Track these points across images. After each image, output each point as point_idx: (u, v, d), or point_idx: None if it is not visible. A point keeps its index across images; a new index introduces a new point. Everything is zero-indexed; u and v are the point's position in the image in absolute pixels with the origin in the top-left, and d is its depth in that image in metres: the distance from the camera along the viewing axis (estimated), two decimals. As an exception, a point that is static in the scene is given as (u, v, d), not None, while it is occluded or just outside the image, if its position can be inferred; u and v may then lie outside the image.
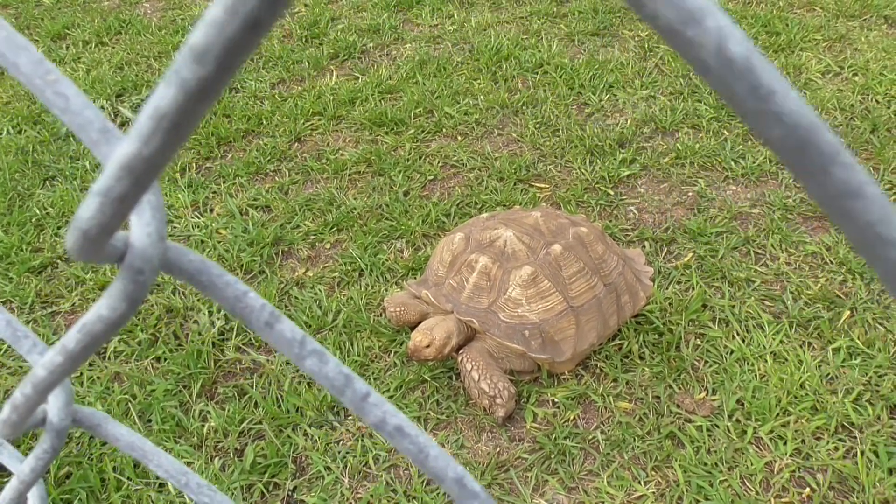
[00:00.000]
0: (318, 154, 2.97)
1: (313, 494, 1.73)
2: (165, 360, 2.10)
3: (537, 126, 2.98)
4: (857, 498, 1.60)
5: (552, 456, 1.75)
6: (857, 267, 2.15)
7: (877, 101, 2.90)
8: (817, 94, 2.97)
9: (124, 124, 3.29)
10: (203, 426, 1.89)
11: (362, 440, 1.83)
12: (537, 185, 2.67)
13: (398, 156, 2.90)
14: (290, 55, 3.68)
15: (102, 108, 3.34)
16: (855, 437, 1.71)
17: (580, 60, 3.40)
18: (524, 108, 3.11)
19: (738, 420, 1.78)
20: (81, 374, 2.08)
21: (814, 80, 3.08)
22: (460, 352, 1.91)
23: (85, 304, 2.32)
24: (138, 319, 2.25)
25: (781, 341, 1.96)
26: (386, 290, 2.27)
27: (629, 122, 2.95)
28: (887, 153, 2.60)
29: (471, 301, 1.92)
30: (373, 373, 2.01)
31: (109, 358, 2.13)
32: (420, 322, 2.03)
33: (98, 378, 2.06)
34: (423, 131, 3.03)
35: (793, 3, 3.72)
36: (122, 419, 1.92)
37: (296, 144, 3.06)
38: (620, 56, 3.40)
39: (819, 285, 2.12)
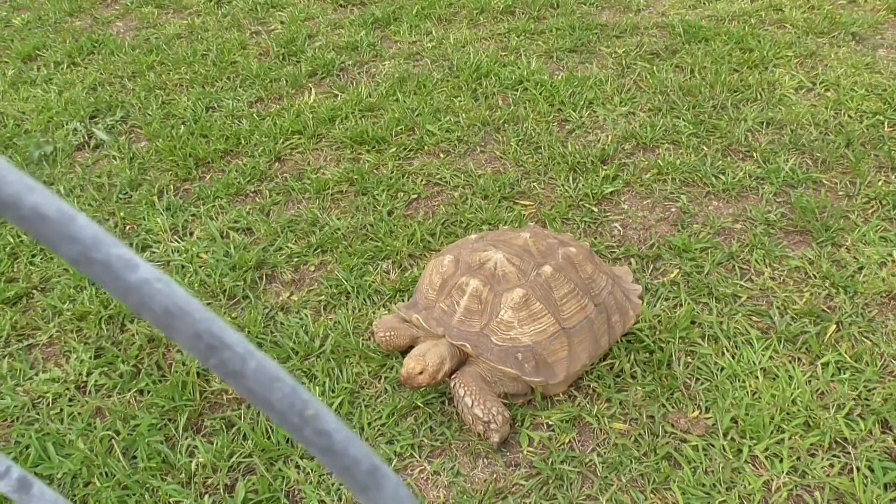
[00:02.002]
0: (299, 174, 2.94)
1: (307, 527, 1.69)
2: (149, 392, 2.05)
3: (519, 143, 2.99)
4: (854, 515, 1.61)
5: (550, 481, 1.74)
6: (841, 281, 2.18)
7: (849, 115, 2.96)
8: (792, 109, 3.02)
9: (98, 146, 3.22)
10: (191, 462, 1.83)
11: (356, 470, 1.80)
12: (522, 202, 2.67)
13: (381, 174, 2.87)
14: (267, 73, 3.65)
15: (76, 130, 3.27)
16: (849, 453, 1.73)
17: (559, 77, 3.42)
18: (506, 125, 3.11)
19: (732, 439, 1.79)
20: (62, 410, 2.01)
21: (788, 95, 3.13)
22: (453, 377, 1.88)
23: (63, 336, 2.26)
24: (119, 351, 2.19)
25: (771, 357, 1.97)
26: (374, 312, 2.24)
27: (610, 138, 2.97)
28: (862, 167, 2.65)
29: (462, 325, 1.90)
30: (363, 400, 1.98)
31: (90, 392, 2.07)
32: (410, 346, 2.00)
33: (79, 414, 2.00)
34: (405, 149, 3.01)
35: (764, 21, 3.78)
36: (106, 457, 1.86)
37: (276, 164, 3.02)
38: (599, 73, 3.42)
39: (804, 300, 2.14)
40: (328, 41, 3.94)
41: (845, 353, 1.97)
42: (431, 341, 1.92)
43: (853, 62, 3.33)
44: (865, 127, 2.89)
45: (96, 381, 2.10)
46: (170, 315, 0.26)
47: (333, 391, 2.01)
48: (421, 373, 1.82)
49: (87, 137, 3.25)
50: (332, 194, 2.79)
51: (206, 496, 1.76)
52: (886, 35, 3.58)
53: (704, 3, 4.05)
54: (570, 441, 1.83)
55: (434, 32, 3.94)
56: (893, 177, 2.62)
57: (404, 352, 2.01)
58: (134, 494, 1.77)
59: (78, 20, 4.50)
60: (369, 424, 1.91)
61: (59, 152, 3.17)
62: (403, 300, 2.25)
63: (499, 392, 1.90)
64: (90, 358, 2.17)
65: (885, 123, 2.89)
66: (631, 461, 1.76)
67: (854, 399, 1.85)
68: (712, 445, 1.77)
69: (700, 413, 1.86)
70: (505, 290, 1.89)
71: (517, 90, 3.34)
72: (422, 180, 2.82)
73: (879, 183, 2.59)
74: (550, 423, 1.88)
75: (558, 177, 2.76)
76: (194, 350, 0.27)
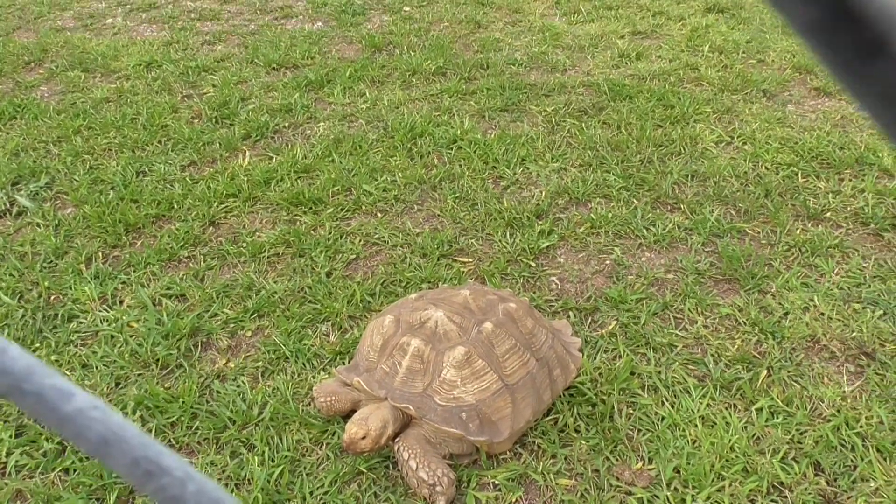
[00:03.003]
0: (235, 237, 2.89)
1: None
2: (75, 471, 1.93)
3: (456, 200, 3.03)
4: (796, 559, 1.63)
5: (498, 543, 1.71)
6: (769, 327, 2.26)
7: (766, 167, 3.13)
8: (714, 162, 3.17)
9: (21, 214, 3.10)
10: (121, 545, 1.73)
11: (298, 544, 1.73)
12: (461, 259, 2.69)
13: (318, 235, 2.86)
14: (199, 137, 3.61)
15: (-3, 197, 3.15)
16: (786, 497, 1.76)
17: (492, 135, 3.51)
18: (442, 183, 3.16)
19: (676, 489, 1.80)
20: (-23, 496, 1.88)
21: (709, 149, 3.29)
22: (396, 440, 1.85)
23: (-20, 416, 2.12)
24: (42, 427, 2.06)
25: (708, 404, 2.02)
26: (314, 377, 2.19)
27: (544, 193, 3.04)
28: (782, 216, 2.79)
29: (405, 386, 1.88)
30: (305, 468, 1.92)
31: (10, 474, 1.94)
32: (352, 411, 1.96)
33: (-3, 499, 1.87)
34: (342, 209, 3.01)
35: (682, 79, 4.00)
36: (27, 545, 1.74)
37: (210, 228, 2.97)
38: (530, 130, 3.53)
39: (736, 346, 2.21)
40: (262, 104, 3.95)
41: (777, 397, 2.03)
42: (374, 404, 1.89)
43: (766, 117, 3.54)
44: (782, 178, 3.06)
45: (17, 461, 1.97)
46: (106, 443, 0.26)
47: (273, 460, 1.94)
48: (364, 437, 1.78)
49: (8, 205, 3.13)
50: (268, 257, 2.75)
51: (137, 583, 1.65)
52: (793, 91, 3.83)
53: (626, 63, 4.26)
54: (517, 500, 1.81)
55: (368, 94, 4.01)
56: (810, 225, 2.77)
57: (346, 416, 1.97)
58: (57, 586, 1.65)
59: None
60: (311, 493, 1.85)
61: (-22, 221, 3.03)
62: (344, 363, 2.22)
63: (444, 453, 1.87)
64: (10, 437, 2.04)
65: (799, 174, 3.07)
66: (578, 517, 1.75)
67: (788, 443, 1.90)
68: (657, 496, 1.78)
69: (643, 464, 1.87)
70: (447, 348, 1.88)
71: (452, 149, 3.41)
72: (360, 240, 2.82)
73: (798, 231, 2.73)
74: (497, 482, 1.85)
75: (495, 233, 2.80)
76: (132, 477, 0.26)
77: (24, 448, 2.01)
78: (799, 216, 2.83)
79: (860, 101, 0.24)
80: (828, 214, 2.82)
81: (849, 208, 2.84)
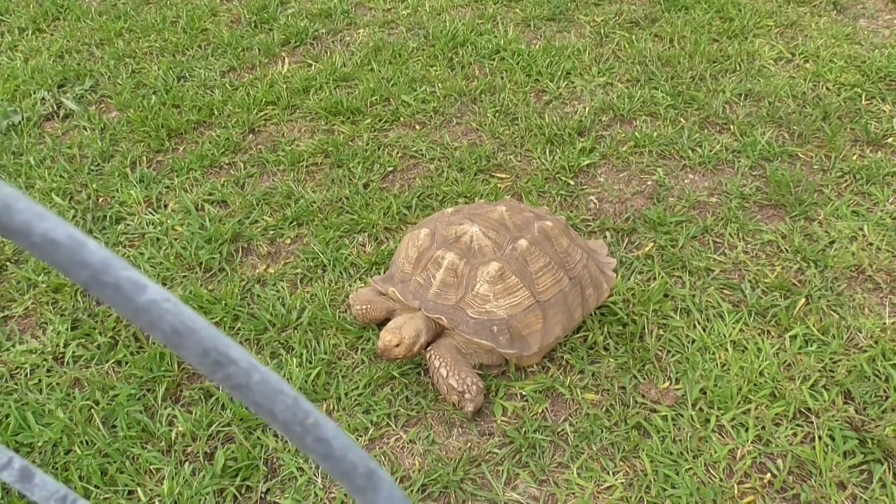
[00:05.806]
0: (274, 145, 2.91)
1: (287, 496, 1.72)
2: (127, 363, 2.05)
3: (496, 114, 2.97)
4: (815, 481, 1.66)
5: (522, 449, 1.77)
6: (812, 255, 2.22)
7: (827, 88, 2.98)
8: (771, 81, 3.03)
9: (68, 116, 3.15)
10: (171, 431, 1.85)
11: (332, 441, 1.82)
12: (498, 175, 2.67)
13: (356, 146, 2.85)
14: (239, 42, 3.58)
15: (44, 99, 3.19)
16: (812, 423, 1.78)
17: (537, 46, 3.39)
18: (482, 95, 3.09)
19: (701, 409, 1.83)
20: (40, 381, 2.01)
21: (767, 66, 3.14)
22: (428, 348, 1.90)
23: (39, 308, 2.24)
24: (96, 322, 2.18)
25: (741, 330, 2.01)
26: (350, 285, 2.25)
27: (587, 109, 2.96)
28: (838, 141, 2.67)
29: (438, 298, 1.91)
30: (340, 370, 2.00)
31: (68, 363, 2.07)
32: (387, 319, 2.02)
33: (57, 385, 2.00)
34: (380, 120, 2.99)
35: (743, -11, 3.77)
36: (86, 426, 1.87)
37: (250, 135, 2.98)
38: (577, 42, 3.40)
39: (776, 273, 2.18)
40: (301, 8, 3.86)
41: (813, 326, 2.01)
42: (407, 314, 1.94)
43: (833, 32, 3.33)
44: (843, 100, 2.91)
45: (74, 352, 2.10)
46: (178, 334, 0.27)
47: (311, 362, 2.02)
48: (397, 345, 1.84)
49: (55, 107, 3.18)
50: (307, 166, 2.77)
51: (187, 463, 1.78)
52: (868, 4, 3.58)
53: (684, -28, 4.02)
54: (542, 411, 1.87)
55: None
56: (868, 151, 2.65)
57: (381, 324, 2.02)
58: (115, 462, 1.79)
59: (44, -17, 4.36)
60: (346, 394, 1.93)
61: (27, 122, 3.10)
62: (380, 273, 2.26)
63: (474, 363, 1.92)
64: (67, 329, 2.16)
65: (863, 96, 2.91)
66: (602, 430, 1.80)
67: (819, 371, 1.89)
68: (681, 415, 1.82)
69: (670, 384, 1.90)
70: (481, 263, 1.90)
71: (494, 59, 3.32)
72: (397, 152, 2.81)
73: (854, 157, 2.62)
74: (524, 393, 1.91)
75: (535, 149, 2.76)
76: (201, 366, 0.28)
77: (80, 340, 2.13)
78: (857, 141, 2.70)
79: None
80: (889, 140, 2.69)
81: (910, 134, 2.71)
